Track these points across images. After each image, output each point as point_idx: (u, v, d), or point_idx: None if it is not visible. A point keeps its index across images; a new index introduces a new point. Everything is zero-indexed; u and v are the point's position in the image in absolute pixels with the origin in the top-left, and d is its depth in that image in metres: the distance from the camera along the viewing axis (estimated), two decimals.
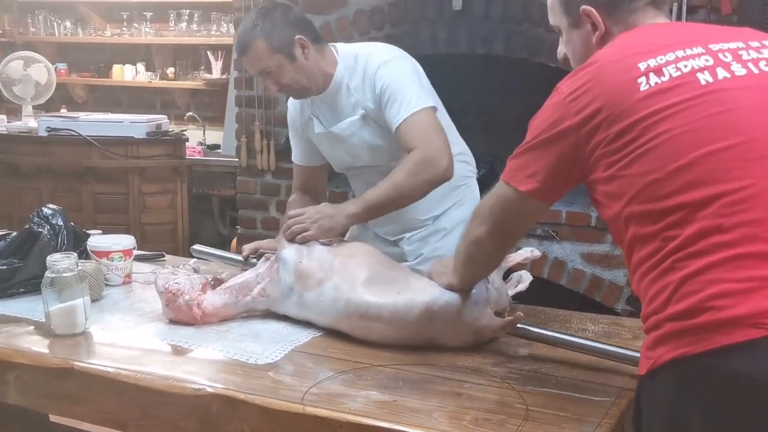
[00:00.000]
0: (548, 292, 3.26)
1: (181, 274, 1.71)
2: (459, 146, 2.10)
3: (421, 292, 1.56)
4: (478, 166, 3.51)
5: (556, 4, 1.34)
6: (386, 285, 1.60)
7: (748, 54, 1.13)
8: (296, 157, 2.19)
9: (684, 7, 3.15)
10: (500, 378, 1.41)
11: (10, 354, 1.54)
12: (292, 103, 2.13)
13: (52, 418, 2.16)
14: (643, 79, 1.10)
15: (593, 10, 1.26)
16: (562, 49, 1.38)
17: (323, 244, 1.74)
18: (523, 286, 1.72)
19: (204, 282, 1.72)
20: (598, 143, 1.13)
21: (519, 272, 1.77)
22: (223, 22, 4.77)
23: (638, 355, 1.37)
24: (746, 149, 1.04)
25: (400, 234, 2.09)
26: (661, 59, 1.11)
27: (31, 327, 1.68)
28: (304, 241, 1.75)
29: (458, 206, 2.08)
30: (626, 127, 1.09)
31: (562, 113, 1.17)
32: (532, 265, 3.32)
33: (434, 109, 1.92)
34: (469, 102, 3.85)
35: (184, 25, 4.88)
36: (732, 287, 0.99)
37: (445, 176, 1.85)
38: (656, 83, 1.09)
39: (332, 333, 1.63)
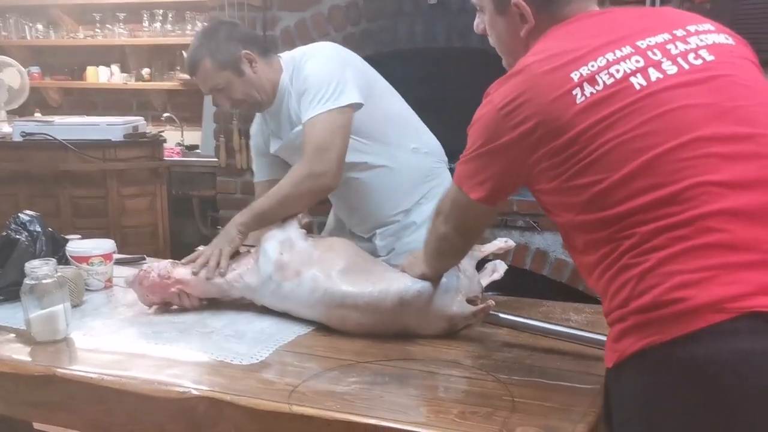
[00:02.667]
0: (531, 282, 3.28)
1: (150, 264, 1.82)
2: (420, 140, 2.12)
3: (394, 282, 1.60)
4: (455, 160, 3.54)
5: None
6: (362, 275, 1.64)
7: (676, 47, 1.13)
8: (259, 175, 2.19)
9: None
10: (485, 370, 1.42)
11: None
12: (253, 127, 2.18)
13: (36, 425, 2.14)
14: (577, 91, 1.09)
15: (524, 3, 1.24)
16: (480, 24, 1.34)
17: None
18: (498, 275, 1.76)
19: (172, 262, 1.81)
20: (541, 157, 1.14)
21: (494, 261, 1.80)
22: (197, 21, 4.72)
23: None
24: (689, 148, 1.05)
25: (372, 230, 2.12)
26: (592, 66, 1.11)
27: (12, 335, 1.66)
28: (220, 266, 1.77)
29: (429, 199, 2.09)
30: (567, 141, 1.10)
31: (498, 127, 1.16)
32: (514, 256, 3.38)
33: (352, 106, 1.89)
34: (448, 96, 3.85)
35: (158, 25, 4.83)
36: (691, 278, 1.00)
37: (329, 188, 1.89)
38: (591, 93, 1.09)
39: (316, 331, 1.64)
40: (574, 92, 1.10)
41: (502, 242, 1.78)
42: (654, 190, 1.04)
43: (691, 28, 1.17)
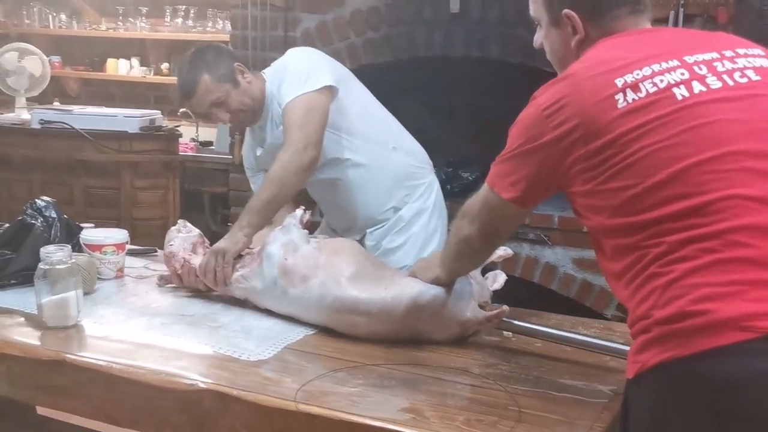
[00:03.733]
0: (538, 296, 3.27)
1: (178, 236, 1.90)
2: (400, 141, 2.21)
3: (407, 287, 1.59)
4: (470, 169, 3.54)
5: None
6: (372, 281, 1.63)
7: (723, 65, 1.15)
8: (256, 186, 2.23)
9: (681, 16, 3.17)
10: (492, 379, 1.42)
11: (1, 345, 1.54)
12: (244, 147, 2.28)
13: (40, 410, 2.15)
14: (620, 96, 1.11)
15: (575, 14, 1.28)
16: (538, 38, 1.39)
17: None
18: (498, 285, 1.76)
19: (195, 241, 1.90)
20: (577, 159, 1.15)
21: (494, 271, 1.80)
22: (219, 19, 4.76)
23: (619, 346, 1.39)
24: (724, 161, 1.06)
25: (362, 231, 2.18)
26: (637, 74, 1.13)
27: (23, 319, 1.67)
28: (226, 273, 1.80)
29: (414, 199, 2.18)
30: (604, 144, 1.11)
31: (540, 127, 1.19)
32: (523, 269, 3.37)
33: (328, 89, 1.98)
34: (464, 105, 3.86)
35: (179, 20, 4.86)
36: (716, 291, 1.00)
37: (315, 158, 1.93)
38: (633, 99, 1.11)
39: (324, 331, 1.64)
40: (616, 97, 1.12)
41: (501, 250, 1.77)
42: (684, 199, 1.05)
43: (741, 51, 1.19)
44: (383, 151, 2.15)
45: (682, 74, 1.13)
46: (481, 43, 3.52)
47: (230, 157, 4.08)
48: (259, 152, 2.16)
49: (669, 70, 1.13)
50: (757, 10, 3.44)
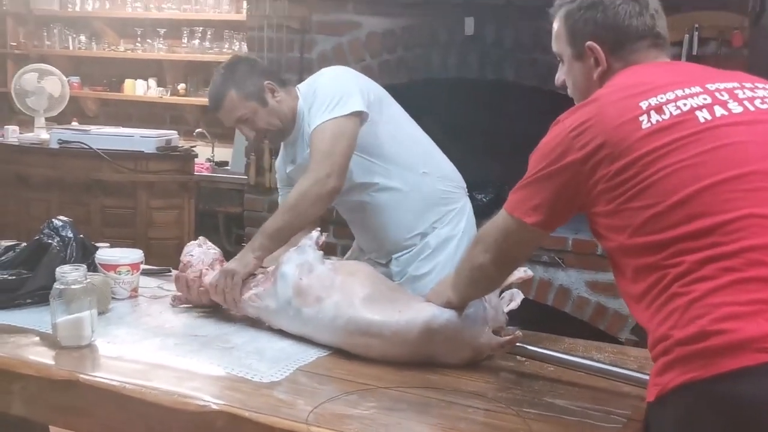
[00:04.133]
0: (552, 319, 3.26)
1: (197, 249, 1.92)
2: (433, 164, 2.15)
3: (421, 311, 1.58)
4: (485, 191, 3.54)
5: (562, 35, 1.38)
6: (387, 303, 1.62)
7: (744, 93, 1.18)
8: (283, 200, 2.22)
9: (695, 40, 3.17)
10: (504, 403, 1.41)
11: (16, 365, 1.54)
12: (278, 160, 2.24)
13: (53, 430, 2.15)
14: (644, 117, 1.15)
15: (598, 47, 1.32)
16: (561, 76, 1.42)
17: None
18: (515, 304, 1.75)
19: (215, 258, 1.91)
20: (600, 178, 1.17)
21: (511, 290, 1.80)
22: (235, 40, 4.81)
23: (633, 373, 1.38)
24: (744, 180, 1.08)
25: (389, 255, 2.15)
26: (661, 98, 1.17)
27: (38, 338, 1.68)
28: (234, 295, 1.80)
29: (444, 224, 2.13)
30: (628, 163, 1.14)
31: (565, 147, 1.21)
32: (537, 292, 3.36)
33: (358, 114, 1.94)
34: (479, 127, 3.87)
35: (196, 42, 4.92)
36: (738, 310, 1.01)
37: (335, 189, 1.90)
38: (657, 121, 1.14)
39: (337, 353, 1.63)
40: (641, 118, 1.15)
41: (521, 272, 1.76)
42: (703, 218, 1.07)
43: (759, 85, 1.22)
44: (413, 176, 2.10)
45: (705, 99, 1.16)
46: (496, 65, 3.54)
47: (245, 177, 4.11)
48: (289, 169, 2.14)
49: (692, 96, 1.16)
50: None
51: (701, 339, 1.01)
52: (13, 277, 1.86)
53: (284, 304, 1.69)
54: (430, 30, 3.64)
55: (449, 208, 2.15)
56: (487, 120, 3.80)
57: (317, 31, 3.89)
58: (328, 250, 1.91)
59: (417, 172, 2.11)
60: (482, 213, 2.36)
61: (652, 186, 1.11)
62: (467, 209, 2.20)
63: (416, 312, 1.58)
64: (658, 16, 1.33)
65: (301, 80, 3.91)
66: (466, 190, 2.24)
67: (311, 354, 1.63)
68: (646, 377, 1.37)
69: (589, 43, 1.32)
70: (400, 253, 2.13)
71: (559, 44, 1.40)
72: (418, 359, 1.58)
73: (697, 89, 1.18)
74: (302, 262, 1.71)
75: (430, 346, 1.57)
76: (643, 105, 1.16)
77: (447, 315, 1.56)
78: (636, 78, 1.24)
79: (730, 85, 1.20)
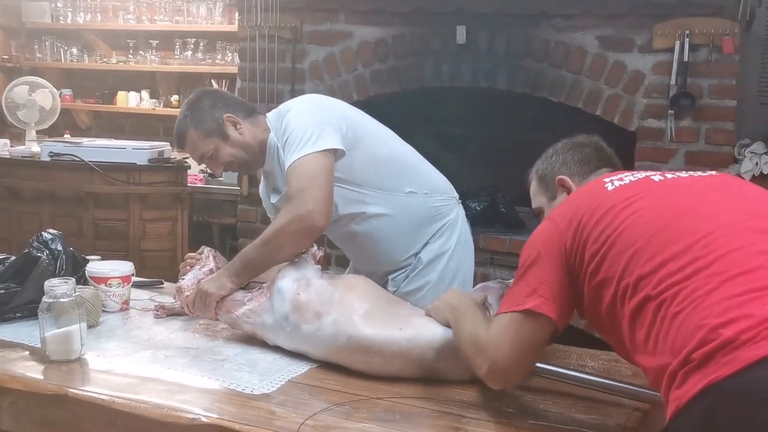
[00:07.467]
0: None
1: (189, 272, 1.90)
2: (418, 181, 2.10)
3: (423, 329, 1.57)
4: (478, 199, 3.53)
5: (535, 188, 1.59)
6: (387, 320, 1.60)
7: (695, 173, 1.39)
8: None
9: (686, 46, 3.17)
10: (499, 413, 1.40)
11: (5, 379, 1.53)
12: (261, 188, 2.20)
13: None
14: (608, 183, 1.36)
15: (566, 178, 1.53)
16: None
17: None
18: None
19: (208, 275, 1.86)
20: (585, 238, 1.28)
21: None
22: (228, 51, 4.81)
23: (628, 386, 1.39)
24: (700, 212, 1.23)
25: (385, 276, 2.11)
26: (621, 176, 1.38)
27: (27, 352, 1.67)
28: (209, 316, 1.81)
29: (437, 238, 2.10)
30: (601, 216, 1.28)
31: (555, 234, 1.32)
32: None
33: (332, 151, 1.87)
34: (472, 135, 3.87)
35: (189, 53, 4.92)
36: (737, 301, 1.07)
37: (317, 227, 1.80)
38: (619, 184, 1.35)
39: (329, 364, 1.62)
40: (606, 184, 1.36)
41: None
42: (677, 242, 1.19)
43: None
44: (399, 198, 2.05)
45: (658, 175, 1.37)
46: (488, 73, 3.54)
47: (238, 188, 4.10)
48: (274, 199, 2.10)
49: (648, 173, 1.38)
50: (763, 40, 3.45)
51: (712, 337, 1.05)
52: (2, 291, 1.84)
53: (281, 320, 1.66)
54: (421, 39, 3.65)
55: (441, 223, 2.11)
56: (479, 128, 3.80)
57: (309, 41, 3.90)
58: (324, 264, 1.88)
59: (402, 192, 2.06)
60: (476, 221, 2.35)
61: (627, 229, 1.24)
62: (460, 219, 2.17)
63: (417, 330, 1.56)
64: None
65: (293, 90, 3.95)
66: (459, 199, 2.22)
67: (303, 365, 1.62)
68: (647, 391, 1.37)
69: (559, 177, 1.53)
70: (395, 273, 2.11)
71: (536, 199, 1.59)
72: (418, 376, 1.55)
73: (653, 173, 1.39)
74: (299, 277, 1.68)
75: (431, 364, 1.55)
76: (606, 180, 1.37)
77: (449, 334, 1.53)
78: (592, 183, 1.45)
79: (685, 174, 1.39)
